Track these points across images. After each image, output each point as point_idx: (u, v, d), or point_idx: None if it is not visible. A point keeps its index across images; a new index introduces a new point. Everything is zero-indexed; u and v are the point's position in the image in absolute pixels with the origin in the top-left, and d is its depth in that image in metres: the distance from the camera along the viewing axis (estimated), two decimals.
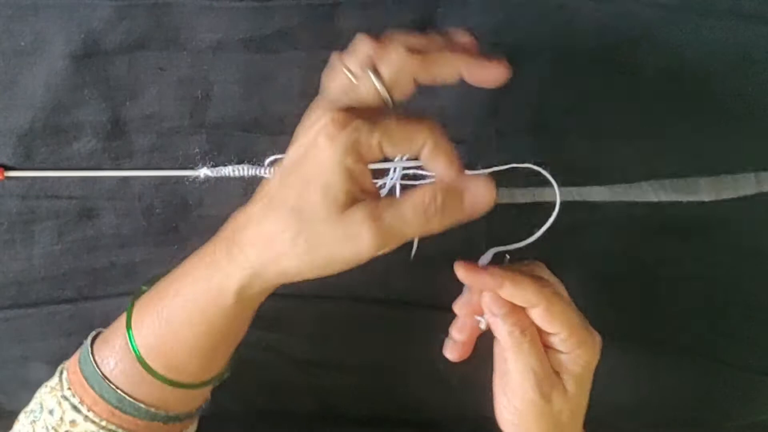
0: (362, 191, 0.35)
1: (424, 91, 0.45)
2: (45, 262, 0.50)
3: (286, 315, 0.53)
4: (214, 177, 0.47)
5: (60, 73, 0.44)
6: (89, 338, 0.43)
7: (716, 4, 0.42)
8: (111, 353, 0.41)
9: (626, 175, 0.47)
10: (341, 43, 0.44)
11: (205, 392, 0.44)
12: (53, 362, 0.44)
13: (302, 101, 0.46)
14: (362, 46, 0.36)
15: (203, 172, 0.47)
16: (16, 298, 0.50)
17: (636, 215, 0.47)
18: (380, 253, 0.36)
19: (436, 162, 0.35)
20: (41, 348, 0.51)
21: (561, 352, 0.41)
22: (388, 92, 0.35)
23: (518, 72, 0.45)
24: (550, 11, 0.43)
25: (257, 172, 0.47)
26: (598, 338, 0.41)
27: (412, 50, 0.35)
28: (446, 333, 0.52)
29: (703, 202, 0.46)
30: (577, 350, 0.41)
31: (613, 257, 0.50)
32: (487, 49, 0.44)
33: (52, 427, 0.41)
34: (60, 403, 0.41)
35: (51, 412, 0.41)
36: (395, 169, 0.46)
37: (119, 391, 0.40)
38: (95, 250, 0.50)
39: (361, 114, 0.35)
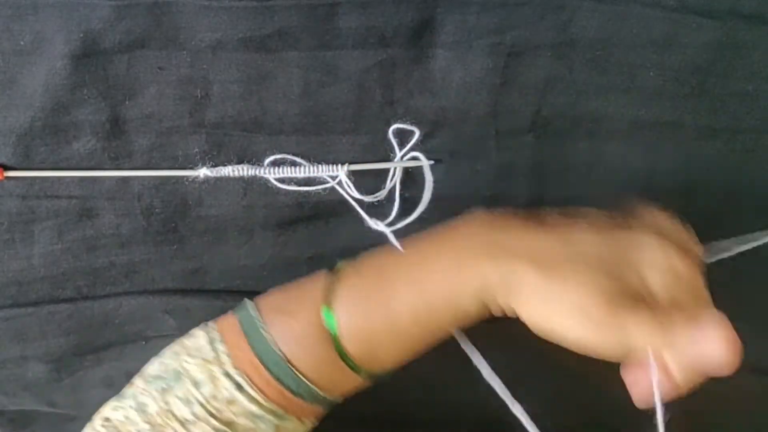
0: None
1: (423, 91, 0.46)
2: (45, 261, 0.50)
3: None
4: (214, 177, 0.47)
5: (59, 73, 0.44)
6: (251, 307, 0.40)
7: (716, 4, 0.42)
8: (296, 332, 0.38)
9: (626, 175, 0.47)
10: (341, 44, 0.44)
11: (365, 384, 0.42)
12: (52, 362, 0.44)
13: (302, 101, 0.46)
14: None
15: (203, 172, 0.47)
16: (16, 297, 0.50)
17: None
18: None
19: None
20: (41, 347, 0.51)
21: None
22: None
23: (518, 72, 0.45)
24: (550, 11, 0.43)
25: (257, 172, 0.47)
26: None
27: None
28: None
29: None
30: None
31: None
32: (488, 49, 0.44)
33: (198, 402, 0.37)
34: (216, 379, 0.38)
35: (196, 384, 0.38)
36: (395, 169, 0.46)
37: (300, 376, 0.38)
38: (95, 249, 0.50)
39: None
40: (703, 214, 0.47)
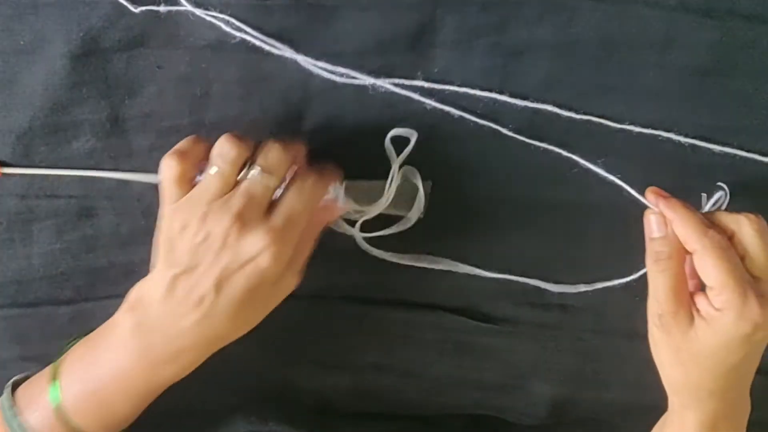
0: None
1: (423, 92, 0.46)
2: (44, 261, 0.50)
3: (286, 315, 0.53)
4: None
5: (59, 72, 0.44)
6: (8, 397, 0.44)
7: (715, 4, 0.42)
8: (40, 414, 0.42)
9: (624, 175, 0.47)
10: (341, 45, 0.44)
11: None
12: (51, 362, 0.44)
13: (301, 101, 0.46)
14: (230, 147, 0.40)
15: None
16: (15, 297, 0.50)
17: None
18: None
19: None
20: (40, 348, 0.51)
21: (711, 306, 0.41)
22: (272, 173, 0.40)
23: (518, 72, 0.45)
24: (550, 11, 0.43)
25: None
26: (752, 311, 0.39)
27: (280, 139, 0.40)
28: (448, 333, 0.53)
29: None
30: (721, 311, 0.40)
31: None
32: (488, 49, 0.44)
33: None
34: None
35: None
36: (390, 182, 0.46)
37: None
38: (94, 249, 0.50)
39: (289, 224, 0.40)
40: None
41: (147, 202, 0.48)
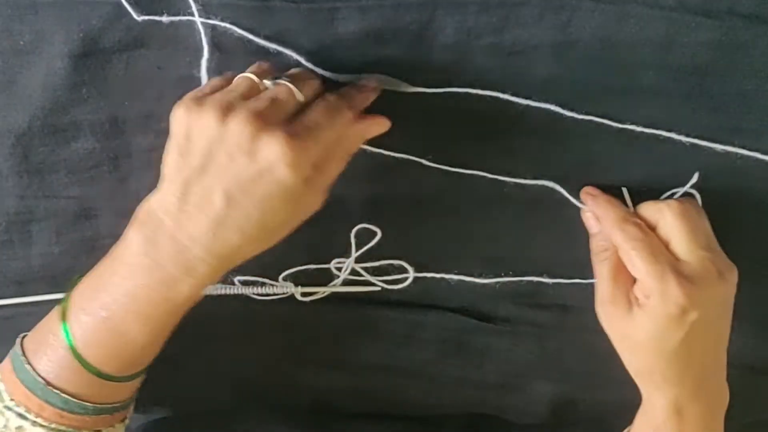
0: None
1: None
2: (43, 262, 0.50)
3: (286, 315, 0.53)
4: None
5: (58, 73, 0.44)
6: (18, 346, 0.44)
7: (715, 4, 0.42)
8: (49, 358, 0.42)
9: (624, 173, 0.47)
10: (340, 47, 0.44)
11: (143, 377, 0.46)
12: None
13: None
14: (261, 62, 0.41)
15: None
16: (14, 297, 0.50)
17: None
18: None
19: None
20: None
21: (642, 294, 0.44)
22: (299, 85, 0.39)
23: (518, 71, 0.45)
24: (550, 11, 0.43)
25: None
26: (673, 293, 0.42)
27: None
28: (448, 333, 0.53)
29: None
30: (648, 297, 0.43)
31: None
32: (487, 49, 0.44)
33: None
34: (3, 413, 0.42)
35: None
36: None
37: (64, 394, 0.41)
38: (93, 250, 0.50)
39: (310, 135, 0.38)
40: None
41: None
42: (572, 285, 0.51)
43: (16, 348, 0.44)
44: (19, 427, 0.41)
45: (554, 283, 0.51)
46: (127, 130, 0.47)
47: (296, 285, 0.51)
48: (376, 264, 0.51)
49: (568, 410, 0.56)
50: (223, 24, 0.43)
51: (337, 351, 0.54)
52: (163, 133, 0.46)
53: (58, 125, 0.46)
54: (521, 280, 0.51)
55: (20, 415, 0.41)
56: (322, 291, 0.51)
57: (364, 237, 0.50)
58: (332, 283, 0.51)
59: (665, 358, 0.44)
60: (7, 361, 0.44)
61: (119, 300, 0.40)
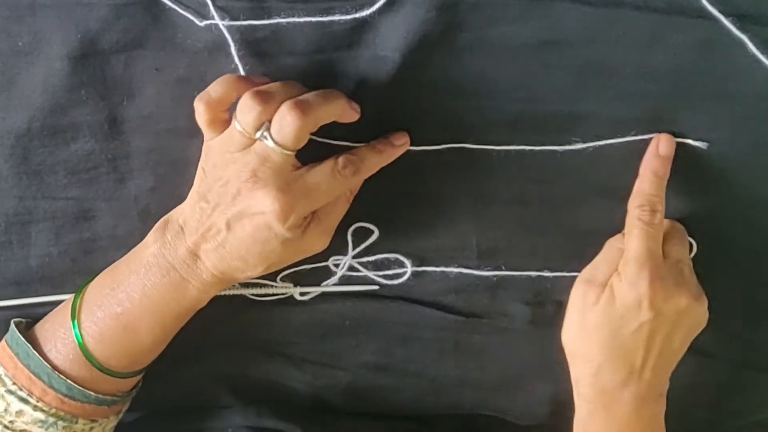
0: None
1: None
2: (42, 263, 0.50)
3: (285, 315, 0.53)
4: None
5: (57, 74, 0.44)
6: (17, 333, 0.45)
7: (701, 5, 0.42)
8: (57, 350, 0.44)
9: (622, 172, 0.47)
10: (336, 49, 0.44)
11: (142, 374, 0.48)
12: None
13: None
14: (249, 108, 0.39)
15: None
16: (14, 298, 0.50)
17: None
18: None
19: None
20: None
21: (617, 274, 0.46)
22: (284, 147, 0.40)
23: (503, 72, 0.45)
24: (543, 11, 0.43)
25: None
26: (641, 284, 0.43)
27: (298, 105, 0.39)
28: (446, 332, 0.53)
29: None
30: (619, 276, 0.45)
31: None
32: (473, 49, 0.44)
33: None
34: (3, 396, 0.43)
35: None
36: None
37: (69, 381, 0.43)
38: (92, 251, 0.50)
39: (303, 195, 0.41)
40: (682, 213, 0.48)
41: (144, 204, 0.48)
42: (572, 279, 0.51)
43: (14, 333, 0.45)
44: (19, 411, 0.43)
45: (554, 277, 0.51)
46: (126, 132, 0.47)
47: (294, 285, 0.51)
48: (372, 258, 0.51)
49: (567, 410, 0.55)
50: (223, 23, 0.43)
51: (336, 351, 0.54)
52: (162, 134, 0.47)
53: (57, 126, 0.46)
54: (521, 275, 0.51)
55: (22, 399, 0.43)
56: (321, 290, 0.52)
57: (360, 235, 0.50)
58: (329, 281, 0.52)
59: (608, 347, 0.45)
60: (3, 345, 0.45)
61: (135, 298, 0.43)
